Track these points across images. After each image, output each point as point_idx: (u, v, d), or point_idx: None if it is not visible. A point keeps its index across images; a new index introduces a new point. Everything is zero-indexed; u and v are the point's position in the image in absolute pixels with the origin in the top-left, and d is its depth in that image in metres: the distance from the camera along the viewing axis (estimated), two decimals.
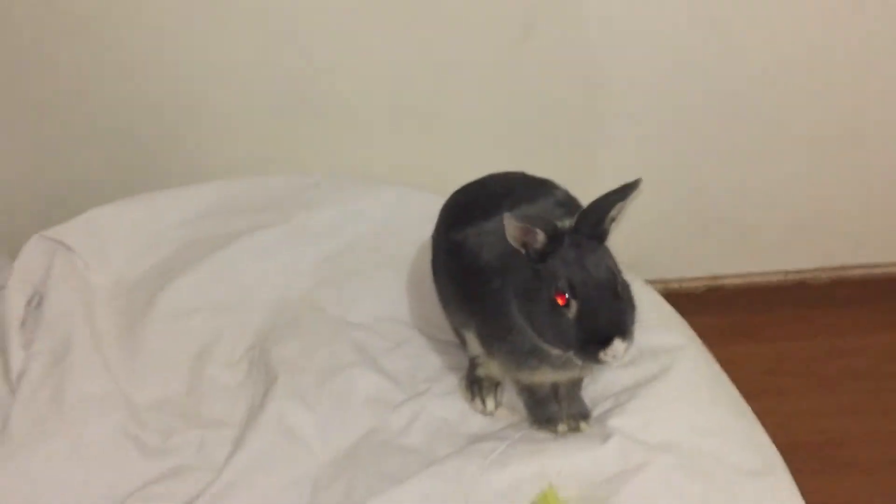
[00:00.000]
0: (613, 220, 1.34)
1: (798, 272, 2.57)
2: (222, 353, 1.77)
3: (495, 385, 1.68)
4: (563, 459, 1.48)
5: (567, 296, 1.31)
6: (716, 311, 2.56)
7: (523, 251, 1.34)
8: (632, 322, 1.33)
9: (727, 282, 2.59)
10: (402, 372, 1.73)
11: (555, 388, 1.59)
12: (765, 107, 2.19)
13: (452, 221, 1.60)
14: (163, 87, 2.03)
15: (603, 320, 1.30)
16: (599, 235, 1.34)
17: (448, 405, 1.68)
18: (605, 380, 1.67)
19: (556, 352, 1.37)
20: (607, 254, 1.35)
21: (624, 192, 1.32)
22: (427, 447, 1.59)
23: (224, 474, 1.53)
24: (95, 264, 1.84)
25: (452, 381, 1.72)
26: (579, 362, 1.34)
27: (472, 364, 1.71)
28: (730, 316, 2.58)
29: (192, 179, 2.02)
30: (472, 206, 1.57)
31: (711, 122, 2.21)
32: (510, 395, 1.68)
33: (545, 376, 1.47)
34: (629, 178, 1.34)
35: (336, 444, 1.61)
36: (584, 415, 1.59)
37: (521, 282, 1.38)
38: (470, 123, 2.14)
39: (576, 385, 1.60)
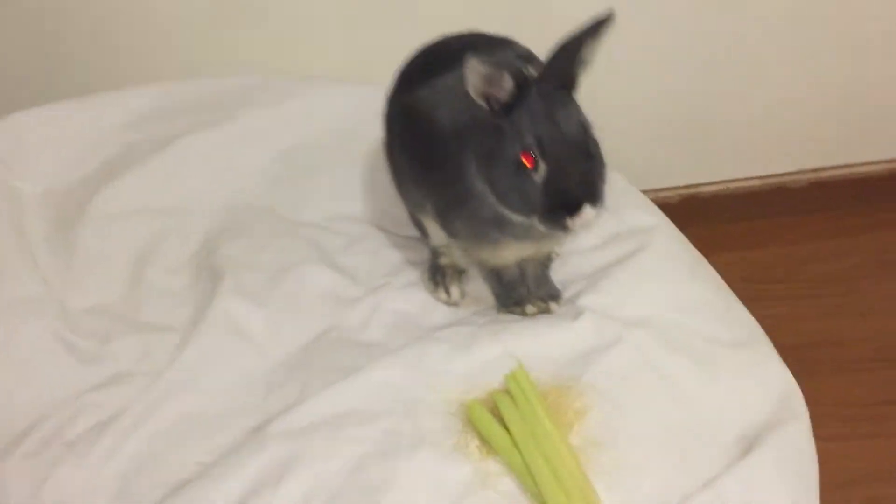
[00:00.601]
0: (584, 64, 1.21)
1: (777, 176, 2.46)
2: (165, 258, 1.64)
3: (460, 273, 1.57)
4: (532, 340, 1.38)
5: (534, 156, 1.18)
6: (693, 220, 2.46)
7: (485, 104, 1.21)
8: (603, 184, 1.21)
9: (703, 190, 2.48)
10: (358, 268, 1.62)
11: (522, 270, 1.48)
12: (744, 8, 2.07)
13: (404, 84, 1.47)
14: None
15: (573, 184, 1.18)
16: (569, 83, 1.21)
17: (409, 297, 1.56)
18: (574, 262, 1.56)
19: (519, 219, 1.25)
20: (577, 106, 1.22)
21: (595, 30, 1.18)
22: (387, 341, 1.48)
23: (168, 374, 1.41)
24: (20, 171, 1.70)
25: (413, 275, 1.61)
26: (545, 229, 1.22)
27: (435, 254, 1.59)
28: (707, 225, 2.46)
29: (124, 85, 1.87)
30: (426, 65, 1.44)
31: (687, 24, 2.08)
32: (477, 284, 1.57)
33: (509, 251, 1.36)
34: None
35: (289, 343, 1.49)
36: (554, 295, 1.48)
37: (482, 141, 1.26)
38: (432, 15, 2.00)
39: (544, 265, 1.50)
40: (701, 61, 2.18)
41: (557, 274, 1.54)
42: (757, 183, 2.48)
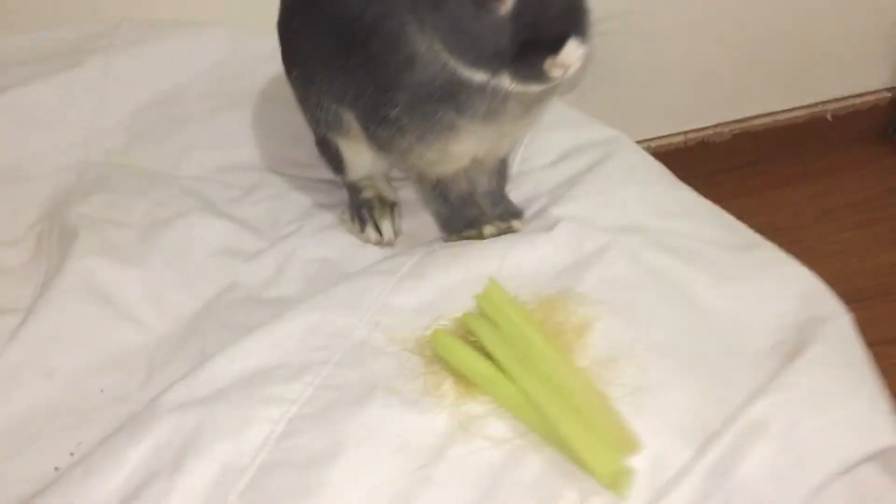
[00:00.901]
0: None
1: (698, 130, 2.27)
2: (2, 228, 1.24)
3: (390, 206, 1.25)
4: (500, 258, 1.07)
5: None
6: None
7: None
8: (588, 15, 0.90)
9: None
10: (258, 217, 1.27)
11: (472, 185, 1.17)
12: None
13: None
14: None
15: (553, 8, 0.87)
16: None
17: (327, 242, 1.23)
18: (530, 181, 1.27)
19: (480, 76, 0.94)
20: None
21: None
22: (305, 294, 1.13)
23: (4, 356, 1.01)
24: None
25: (329, 218, 1.28)
26: (516, 83, 0.91)
27: (354, 189, 1.27)
28: None
29: None
30: None
31: None
32: (410, 220, 1.25)
33: (466, 143, 1.05)
34: None
35: (176, 310, 1.13)
36: (515, 213, 1.18)
37: None
38: None
39: (500, 176, 1.20)
40: None
41: (512, 195, 1.24)
42: (680, 139, 2.28)
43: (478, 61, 0.92)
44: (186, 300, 1.14)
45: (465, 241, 1.14)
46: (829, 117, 2.33)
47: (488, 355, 0.92)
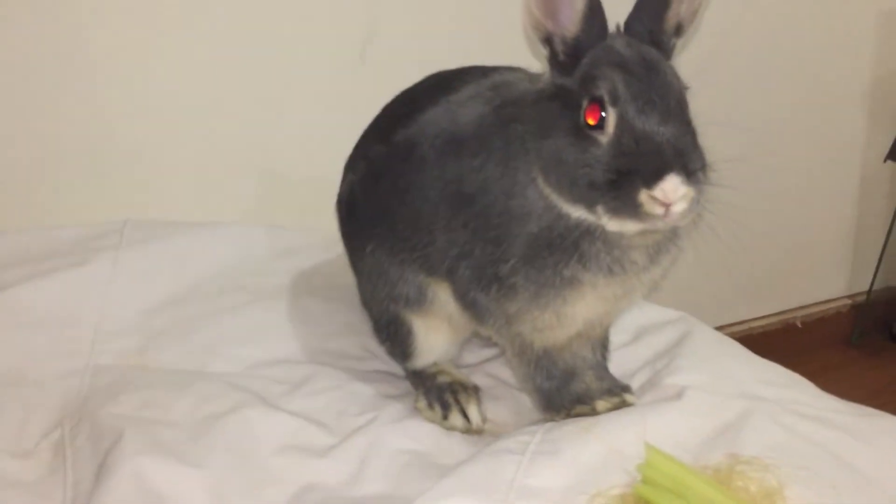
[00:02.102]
0: (681, 31, 0.92)
1: None
2: (7, 438, 1.04)
3: (474, 390, 1.12)
4: (639, 427, 0.95)
5: (602, 110, 0.84)
6: None
7: (545, 48, 0.88)
8: (701, 167, 0.86)
9: None
10: (319, 411, 1.11)
11: (576, 364, 1.06)
12: None
13: (389, 125, 1.09)
14: None
15: (654, 141, 0.83)
16: (659, 40, 0.90)
17: (409, 432, 1.08)
18: (615, 360, 1.16)
19: (576, 212, 0.88)
20: (670, 65, 0.90)
21: None
22: (400, 490, 0.96)
23: None
24: None
25: (401, 408, 1.13)
26: (609, 219, 0.85)
27: (426, 376, 1.14)
28: None
29: None
30: (416, 98, 1.09)
31: None
32: (496, 407, 1.12)
33: (584, 303, 0.95)
34: None
35: None
36: (624, 387, 1.07)
37: (531, 119, 0.92)
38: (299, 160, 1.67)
39: (603, 348, 1.10)
40: None
41: None
42: None
43: (574, 192, 0.87)
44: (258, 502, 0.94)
45: (578, 418, 1.01)
46: (798, 324, 2.38)
47: None
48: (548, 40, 0.89)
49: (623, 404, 1.03)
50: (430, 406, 1.10)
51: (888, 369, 2.38)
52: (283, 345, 1.25)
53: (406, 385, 1.18)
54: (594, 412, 1.02)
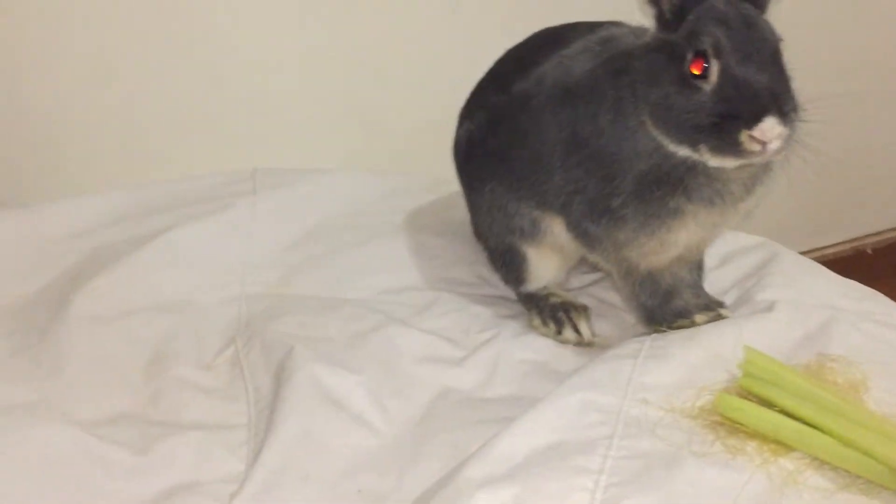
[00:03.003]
0: None
1: None
2: (188, 355, 1.22)
3: (584, 309, 1.27)
4: (736, 336, 1.09)
5: (706, 60, 0.96)
6: None
7: (653, 7, 1.01)
8: (794, 109, 0.98)
9: None
10: (447, 328, 1.27)
11: (676, 283, 1.20)
12: None
13: (505, 78, 1.23)
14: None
15: (753, 87, 0.95)
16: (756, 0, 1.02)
17: (528, 345, 1.23)
18: (707, 280, 1.30)
19: (682, 151, 1.00)
20: (767, 21, 1.01)
21: None
22: (526, 392, 1.13)
23: (261, 463, 0.97)
24: None
25: (517, 326, 1.28)
26: (712, 157, 0.98)
27: (539, 298, 1.29)
28: None
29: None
30: (530, 53, 1.22)
31: None
32: (601, 323, 1.27)
33: (686, 231, 1.08)
34: None
35: (401, 413, 1.11)
36: (719, 302, 1.21)
37: (640, 70, 1.04)
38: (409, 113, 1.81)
39: (699, 269, 1.23)
40: None
41: None
42: None
43: (680, 134, 0.99)
44: (406, 405, 1.12)
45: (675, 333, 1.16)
46: (869, 251, 2.47)
47: (783, 413, 0.91)
48: (655, 1, 1.01)
49: (719, 317, 1.17)
50: (545, 323, 1.25)
51: None
52: (405, 274, 1.41)
53: (518, 307, 1.33)
54: (693, 325, 1.16)
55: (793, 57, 1.01)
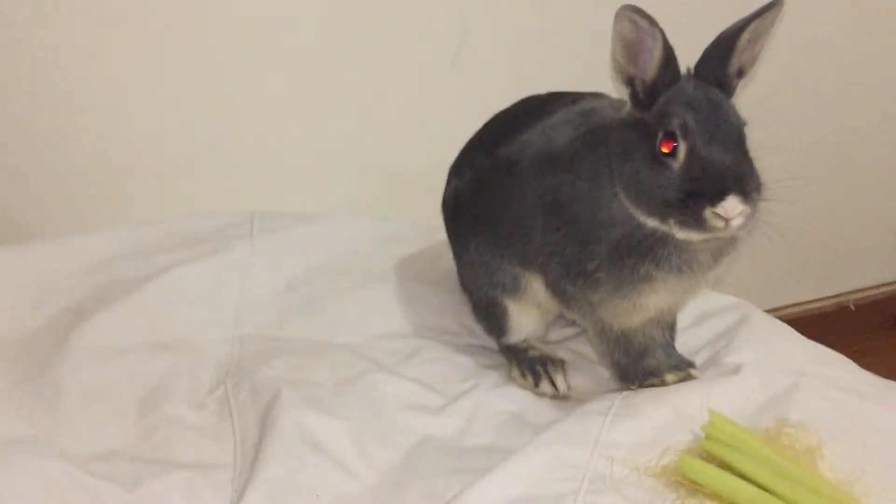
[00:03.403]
0: (742, 73, 1.10)
1: None
2: (181, 394, 1.28)
3: (561, 363, 1.33)
4: (703, 396, 1.15)
5: (675, 140, 1.03)
6: None
7: (628, 86, 1.08)
8: (756, 188, 1.04)
9: None
10: (431, 377, 1.33)
11: (649, 343, 1.26)
12: None
13: (492, 142, 1.29)
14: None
15: (717, 168, 1.01)
16: (723, 83, 1.09)
17: (508, 396, 1.29)
18: (679, 340, 1.35)
19: (651, 223, 1.07)
20: (732, 105, 1.09)
21: (759, 12, 1.06)
22: (501, 443, 1.18)
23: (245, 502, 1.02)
24: None
25: (498, 377, 1.34)
26: (679, 230, 1.04)
27: (518, 350, 1.35)
28: None
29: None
30: (515, 120, 1.29)
31: None
32: (578, 377, 1.33)
33: (657, 296, 1.15)
34: None
35: (382, 460, 1.16)
36: (689, 363, 1.27)
37: (615, 144, 1.11)
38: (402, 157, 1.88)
39: (671, 330, 1.30)
40: None
41: None
42: None
43: (650, 208, 1.06)
44: (387, 452, 1.17)
45: (650, 388, 1.21)
46: (851, 307, 2.53)
47: (739, 476, 0.97)
48: (630, 82, 1.08)
49: (688, 377, 1.23)
50: (523, 375, 1.31)
51: None
52: (393, 320, 1.47)
53: (499, 357, 1.38)
54: (664, 383, 1.22)
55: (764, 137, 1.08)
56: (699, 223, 1.01)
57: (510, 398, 1.29)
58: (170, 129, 1.75)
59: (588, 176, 1.14)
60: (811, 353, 1.31)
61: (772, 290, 2.43)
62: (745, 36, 1.07)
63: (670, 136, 1.03)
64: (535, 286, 1.26)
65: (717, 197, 1.00)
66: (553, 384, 1.29)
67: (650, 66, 1.06)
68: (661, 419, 1.12)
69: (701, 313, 1.44)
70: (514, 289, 1.28)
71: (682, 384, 1.20)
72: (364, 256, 1.62)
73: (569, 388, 1.30)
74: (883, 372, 2.41)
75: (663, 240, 1.09)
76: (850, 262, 2.48)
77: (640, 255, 1.11)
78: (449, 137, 1.43)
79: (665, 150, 1.04)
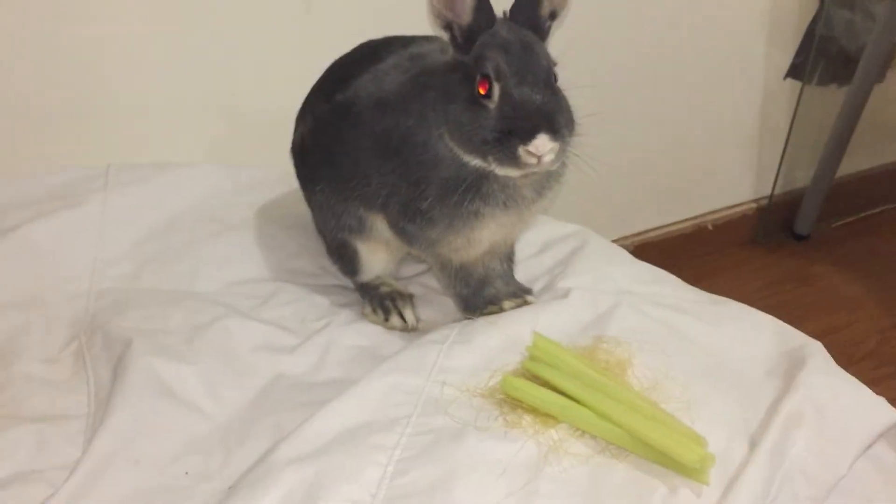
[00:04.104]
0: (555, 14, 1.16)
1: None
2: (34, 350, 1.29)
3: (409, 297, 1.39)
4: (532, 321, 1.24)
5: (489, 82, 1.09)
6: None
7: (446, 33, 1.13)
8: (566, 124, 1.11)
9: None
10: (285, 318, 1.38)
11: (487, 271, 1.34)
12: None
13: (330, 88, 1.33)
14: None
15: (528, 107, 1.07)
16: (537, 26, 1.15)
17: (359, 332, 1.36)
18: (521, 269, 1.44)
19: (473, 161, 1.13)
20: (544, 47, 1.15)
21: None
22: (351, 376, 1.24)
23: (94, 449, 1.06)
24: None
25: (350, 314, 1.40)
26: (497, 167, 1.10)
27: (371, 287, 1.41)
28: None
29: None
30: (350, 66, 1.33)
31: None
32: (427, 309, 1.40)
33: (488, 229, 1.22)
34: None
35: (234, 399, 1.21)
36: (526, 290, 1.36)
37: (439, 87, 1.16)
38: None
39: (509, 260, 1.37)
40: None
41: None
42: None
43: (470, 146, 1.12)
44: (238, 392, 1.22)
45: (490, 315, 1.30)
46: (710, 227, 2.69)
47: (555, 390, 1.06)
48: (448, 27, 1.13)
49: (525, 303, 1.32)
50: (374, 311, 1.37)
51: (786, 262, 2.72)
52: (252, 266, 1.51)
53: (355, 296, 1.44)
54: (502, 311, 1.30)
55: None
56: (514, 160, 1.08)
57: (362, 333, 1.35)
58: (22, 83, 1.72)
59: (416, 119, 1.19)
60: (639, 274, 1.41)
61: (631, 215, 2.57)
62: None
63: (485, 79, 1.09)
64: (380, 226, 1.32)
65: (529, 135, 1.06)
66: (402, 317, 1.36)
67: (465, 10, 1.11)
68: (494, 343, 1.19)
69: (544, 242, 1.52)
70: (361, 230, 1.34)
71: (517, 310, 1.28)
72: (223, 204, 1.64)
73: (417, 320, 1.37)
74: (740, 284, 2.61)
75: (487, 177, 1.15)
76: (704, 186, 2.63)
77: (467, 193, 1.17)
78: (305, 83, 1.45)
79: (482, 91, 1.09)
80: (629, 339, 1.18)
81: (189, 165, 1.73)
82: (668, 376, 1.11)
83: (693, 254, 2.68)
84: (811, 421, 1.03)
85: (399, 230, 1.27)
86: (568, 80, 1.17)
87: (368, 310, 1.38)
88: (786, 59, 2.53)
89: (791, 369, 1.17)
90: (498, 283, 1.34)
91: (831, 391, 1.08)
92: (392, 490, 0.97)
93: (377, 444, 1.02)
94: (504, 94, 1.08)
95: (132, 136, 1.84)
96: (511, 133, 1.07)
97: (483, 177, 1.15)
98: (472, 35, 1.12)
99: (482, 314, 1.31)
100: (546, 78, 1.10)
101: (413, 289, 1.45)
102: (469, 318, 1.32)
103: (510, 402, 1.08)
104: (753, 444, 1.02)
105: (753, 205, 2.74)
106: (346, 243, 1.37)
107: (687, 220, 2.66)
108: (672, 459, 0.96)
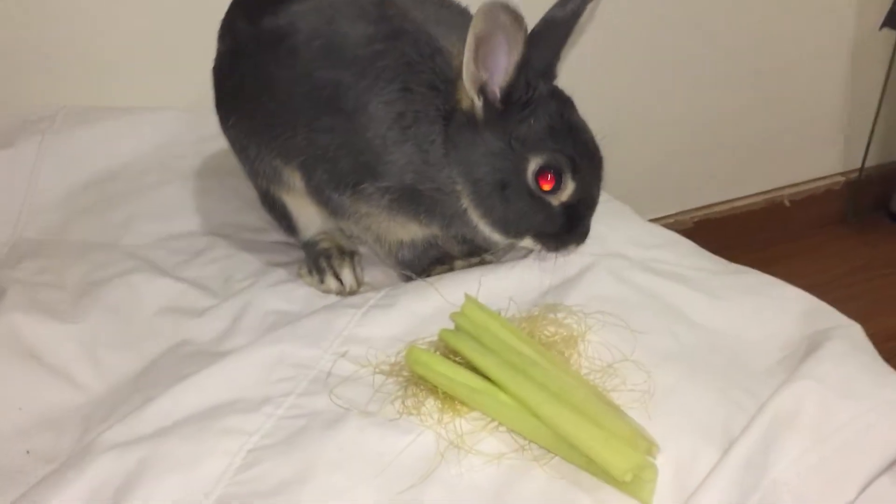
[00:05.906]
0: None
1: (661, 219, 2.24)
2: None
3: (350, 255, 1.15)
4: (477, 284, 0.98)
5: (556, 176, 0.92)
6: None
7: (479, 98, 0.91)
8: None
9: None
10: (208, 277, 1.17)
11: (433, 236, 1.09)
12: None
13: (256, 4, 1.08)
14: None
15: (591, 205, 0.97)
16: (552, 75, 0.97)
17: (284, 295, 1.13)
18: None
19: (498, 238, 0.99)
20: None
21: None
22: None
23: None
24: None
25: (284, 273, 1.18)
26: (537, 247, 0.98)
27: (311, 245, 1.18)
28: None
29: None
30: None
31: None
32: (374, 271, 1.16)
33: (429, 228, 1.02)
34: None
35: (117, 369, 1.01)
36: (485, 249, 1.09)
37: (466, 143, 0.93)
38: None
39: None
40: None
41: None
42: None
43: (517, 233, 0.96)
44: (127, 359, 1.02)
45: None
46: (786, 203, 2.33)
47: (473, 369, 0.81)
48: (482, 90, 0.91)
49: (482, 263, 1.06)
50: (310, 272, 1.14)
51: (880, 246, 2.33)
52: (192, 219, 1.31)
53: (298, 253, 1.22)
54: (451, 270, 1.05)
55: None
56: (561, 251, 0.98)
57: (289, 297, 1.12)
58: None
59: (398, 115, 0.95)
60: (637, 236, 1.13)
61: (697, 189, 2.24)
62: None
63: (549, 170, 0.91)
64: (299, 184, 1.08)
65: (583, 237, 0.97)
66: (339, 279, 1.12)
67: (503, 75, 0.90)
68: (423, 310, 0.95)
69: None
70: (279, 182, 1.10)
71: (466, 271, 1.02)
72: (178, 154, 1.46)
73: (359, 283, 1.13)
74: (819, 269, 2.23)
75: (447, 199, 0.97)
76: (783, 155, 2.28)
77: (418, 203, 0.98)
78: None
79: (543, 185, 0.92)
80: (592, 309, 0.91)
81: (151, 110, 1.54)
82: (630, 358, 0.84)
83: (764, 234, 2.33)
84: (808, 424, 0.73)
85: (322, 198, 1.04)
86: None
87: (304, 270, 1.16)
88: (883, 5, 2.13)
89: (807, 357, 0.87)
90: (448, 245, 1.09)
91: (845, 386, 0.78)
92: (231, 487, 0.73)
93: (232, 428, 0.80)
94: (575, 192, 0.93)
95: (97, 83, 1.66)
96: (570, 232, 0.96)
97: (443, 196, 0.97)
98: (510, 99, 0.91)
99: (429, 276, 1.06)
100: (602, 164, 0.96)
101: (362, 246, 1.21)
102: (412, 280, 1.07)
103: (418, 382, 0.83)
104: (730, 449, 0.73)
105: (841, 178, 2.36)
106: (271, 193, 1.14)
107: (758, 194, 2.31)
108: (600, 467, 0.69)
